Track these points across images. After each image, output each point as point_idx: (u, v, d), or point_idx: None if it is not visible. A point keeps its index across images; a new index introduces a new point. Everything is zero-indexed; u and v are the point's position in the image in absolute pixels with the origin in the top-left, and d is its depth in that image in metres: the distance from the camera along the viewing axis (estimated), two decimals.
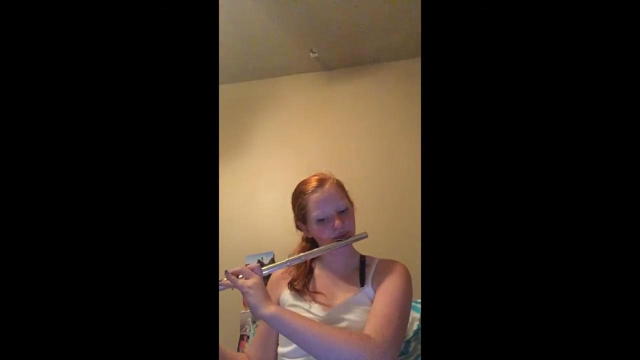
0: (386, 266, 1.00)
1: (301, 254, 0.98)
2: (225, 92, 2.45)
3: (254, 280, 0.87)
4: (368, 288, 0.97)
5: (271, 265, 0.94)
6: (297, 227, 1.08)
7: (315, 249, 0.98)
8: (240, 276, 0.88)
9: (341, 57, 2.30)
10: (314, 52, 2.21)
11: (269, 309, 0.84)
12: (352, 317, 0.93)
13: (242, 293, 0.86)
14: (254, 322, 2.02)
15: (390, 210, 2.10)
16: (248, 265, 0.90)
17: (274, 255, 2.14)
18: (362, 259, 1.05)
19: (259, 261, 2.15)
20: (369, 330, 0.85)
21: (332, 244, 0.97)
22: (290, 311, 0.89)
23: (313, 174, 1.07)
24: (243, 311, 2.05)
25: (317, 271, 1.07)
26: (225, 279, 0.89)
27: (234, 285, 0.87)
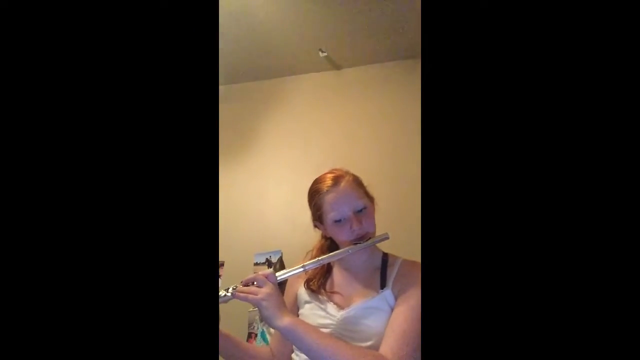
0: (410, 270, 0.94)
1: (318, 258, 0.93)
2: (234, 91, 2.46)
3: (266, 290, 0.84)
4: (388, 292, 0.92)
5: (286, 271, 0.91)
6: (315, 226, 1.03)
7: (332, 253, 0.94)
8: (255, 283, 0.86)
9: (350, 57, 2.30)
10: (323, 52, 2.21)
11: (283, 321, 0.82)
12: (368, 321, 0.90)
13: (256, 305, 0.84)
14: (261, 320, 2.03)
15: (399, 209, 2.09)
16: (262, 272, 0.87)
17: (281, 253, 2.14)
18: (385, 258, 1.00)
19: (267, 260, 2.16)
20: (385, 348, 0.83)
21: (350, 247, 0.92)
22: (306, 323, 0.86)
23: (327, 171, 1.01)
24: (251, 309, 2.06)
25: (336, 269, 1.03)
26: (242, 285, 0.87)
27: (248, 301, 0.84)
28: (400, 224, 2.04)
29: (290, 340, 0.85)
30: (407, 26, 2.02)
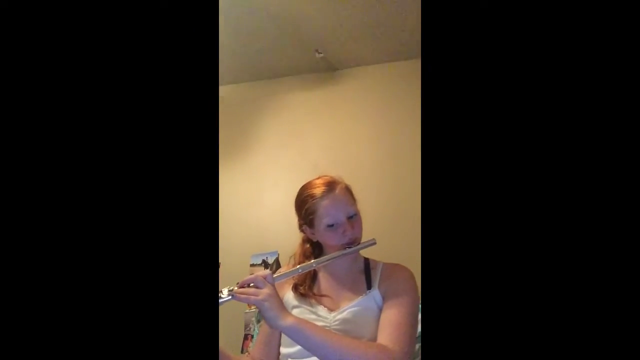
0: (393, 271, 0.99)
1: (312, 261, 0.97)
2: (231, 92, 2.45)
3: (267, 291, 0.85)
4: (375, 292, 0.96)
5: (282, 273, 0.93)
6: (302, 230, 1.06)
7: (328, 256, 0.97)
8: (252, 284, 0.87)
9: (347, 58, 2.30)
10: (319, 53, 2.21)
11: (287, 321, 0.83)
12: (360, 321, 0.93)
13: (257, 307, 0.85)
14: (258, 321, 2.02)
15: (396, 210, 2.09)
16: (259, 273, 0.88)
17: (278, 254, 2.14)
18: (366, 262, 1.05)
19: (263, 261, 2.16)
20: (384, 339, 0.86)
21: (343, 250, 0.97)
22: (309, 322, 0.88)
23: (317, 176, 1.05)
24: (247, 310, 2.05)
25: (322, 275, 1.07)
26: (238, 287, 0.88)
27: (249, 302, 0.85)
28: (400, 225, 2.04)
29: (295, 339, 0.86)
30: (405, 26, 2.02)
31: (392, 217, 2.08)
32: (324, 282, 1.05)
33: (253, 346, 1.09)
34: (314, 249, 1.06)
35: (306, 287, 1.03)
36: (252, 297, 0.84)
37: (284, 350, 0.98)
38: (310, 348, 0.84)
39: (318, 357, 0.84)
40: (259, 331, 1.10)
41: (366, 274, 1.01)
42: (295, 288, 1.04)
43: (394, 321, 0.88)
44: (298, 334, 0.83)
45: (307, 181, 1.06)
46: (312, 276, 1.06)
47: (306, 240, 1.08)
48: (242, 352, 1.98)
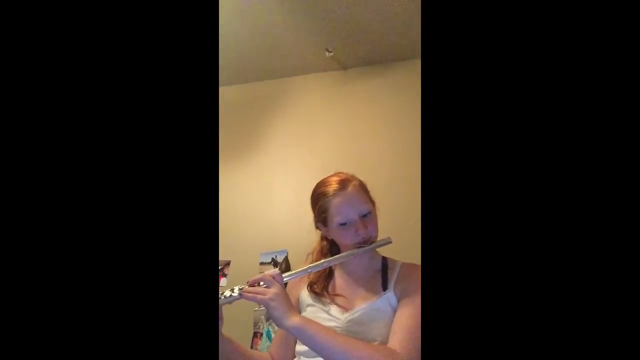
0: (410, 272, 0.97)
1: (323, 260, 0.96)
2: (241, 92, 2.46)
3: (274, 290, 0.85)
4: (390, 293, 0.94)
5: (292, 272, 0.92)
6: (317, 227, 1.05)
7: (338, 256, 0.96)
8: (262, 283, 0.87)
9: (357, 56, 2.30)
10: (329, 52, 2.21)
11: (293, 321, 0.83)
12: (373, 322, 0.91)
13: (264, 306, 0.84)
14: (267, 319, 2.03)
15: (405, 210, 2.08)
16: (269, 272, 0.88)
17: (287, 253, 2.15)
18: (384, 262, 1.02)
19: (272, 259, 2.17)
20: (394, 343, 0.84)
21: (355, 250, 0.94)
22: (315, 322, 0.87)
23: (332, 173, 1.03)
24: (257, 309, 2.06)
25: (338, 273, 1.05)
26: (248, 286, 0.88)
27: (256, 301, 0.85)
28: (408, 223, 2.03)
29: (300, 339, 0.85)
30: (414, 25, 2.01)
31: (403, 217, 2.07)
32: (340, 281, 1.03)
33: (272, 343, 1.09)
34: (331, 246, 1.05)
35: (321, 286, 1.02)
36: (260, 296, 0.84)
37: (298, 347, 0.98)
38: (314, 349, 0.83)
39: (323, 358, 0.83)
40: (277, 329, 1.09)
41: (383, 274, 0.99)
42: (311, 286, 1.03)
43: (405, 325, 0.86)
44: (303, 334, 0.83)
45: (316, 180, 1.05)
46: (328, 275, 1.05)
47: (324, 237, 1.07)
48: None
